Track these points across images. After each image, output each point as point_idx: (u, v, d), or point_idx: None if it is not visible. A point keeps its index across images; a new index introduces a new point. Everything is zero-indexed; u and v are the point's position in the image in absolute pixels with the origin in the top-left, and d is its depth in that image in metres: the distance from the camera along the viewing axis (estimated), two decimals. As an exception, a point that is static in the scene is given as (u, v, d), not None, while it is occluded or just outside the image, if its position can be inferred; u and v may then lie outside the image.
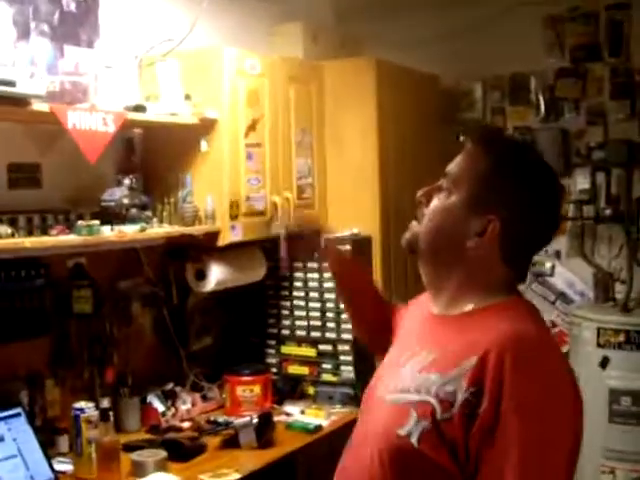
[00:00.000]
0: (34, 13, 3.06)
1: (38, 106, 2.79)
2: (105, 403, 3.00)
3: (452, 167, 1.72)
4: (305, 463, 3.38)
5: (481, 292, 1.66)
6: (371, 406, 1.77)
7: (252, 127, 3.61)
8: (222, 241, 3.52)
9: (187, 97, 3.44)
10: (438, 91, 4.77)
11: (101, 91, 3.12)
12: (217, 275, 3.66)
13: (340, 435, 3.49)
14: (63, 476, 2.98)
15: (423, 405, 1.54)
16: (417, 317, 1.85)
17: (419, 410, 1.54)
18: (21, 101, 2.74)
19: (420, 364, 1.63)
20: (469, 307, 1.66)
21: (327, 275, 3.88)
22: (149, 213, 3.38)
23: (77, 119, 2.89)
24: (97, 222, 3.06)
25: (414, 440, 1.52)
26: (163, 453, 3.07)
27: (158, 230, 3.34)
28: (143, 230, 3.23)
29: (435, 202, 1.70)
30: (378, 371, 1.85)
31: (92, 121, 2.94)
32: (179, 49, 3.57)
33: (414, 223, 1.75)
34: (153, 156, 3.62)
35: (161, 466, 3.00)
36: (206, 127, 3.46)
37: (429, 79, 4.65)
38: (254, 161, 3.62)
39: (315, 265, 3.96)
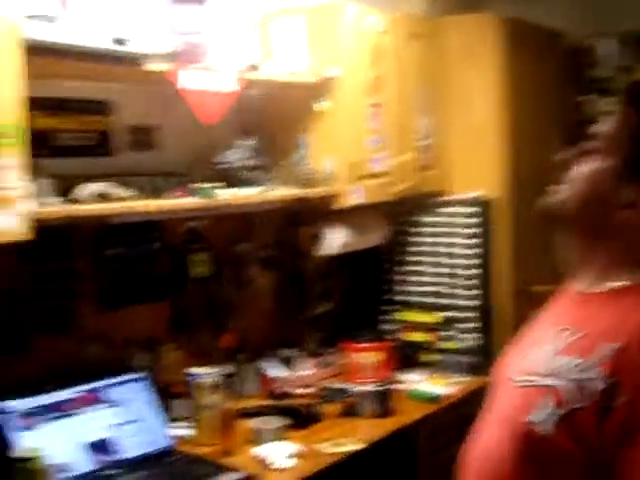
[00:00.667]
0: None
1: (152, 66, 2.73)
2: (223, 369, 2.95)
3: (601, 129, 1.56)
4: (426, 433, 3.28)
5: (633, 267, 1.51)
6: (499, 386, 1.65)
7: (374, 86, 3.48)
8: (342, 204, 3.42)
9: (307, 55, 3.33)
10: (563, 48, 4.54)
11: (218, 51, 3.03)
12: (336, 239, 3.57)
13: (461, 405, 3.39)
14: (181, 441, 2.95)
15: (555, 391, 1.42)
16: (556, 294, 1.71)
17: (550, 396, 1.42)
18: (135, 61, 2.68)
19: (556, 346, 1.49)
20: (617, 284, 1.51)
21: (442, 239, 3.76)
22: (266, 176, 3.31)
23: (192, 80, 2.82)
24: (214, 185, 2.99)
25: (543, 427, 1.40)
26: (282, 421, 3.01)
27: (275, 193, 3.26)
28: (260, 193, 3.16)
29: (582, 166, 1.56)
30: (510, 348, 1.73)
31: (207, 82, 2.87)
32: (299, 6, 3.47)
33: (556, 188, 1.60)
34: (271, 117, 3.53)
35: (279, 434, 2.94)
36: (326, 86, 3.36)
37: (553, 35, 4.43)
38: (376, 121, 3.50)
39: (439, 229, 3.84)
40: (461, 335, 3.81)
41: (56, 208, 2.54)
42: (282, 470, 2.70)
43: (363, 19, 3.43)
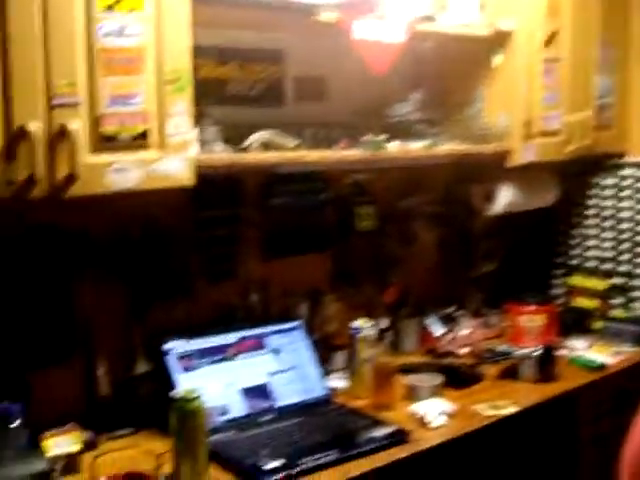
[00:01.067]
0: None
1: (325, 16, 2.70)
2: (383, 323, 2.93)
3: None
4: (587, 402, 3.17)
5: None
6: None
7: (550, 40, 3.34)
8: (513, 162, 3.32)
9: (481, 7, 3.23)
10: None
11: (390, 0, 2.97)
12: (505, 197, 3.47)
13: (625, 376, 3.27)
14: (337, 393, 2.97)
15: None
16: None
17: None
18: (308, 11, 2.66)
19: None
20: None
21: (625, 204, 3.59)
22: (436, 130, 3.24)
23: (364, 30, 2.78)
24: (382, 138, 2.96)
25: None
26: (440, 379, 2.97)
27: (445, 147, 3.19)
28: (429, 147, 3.10)
29: None
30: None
31: (379, 32, 2.83)
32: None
33: None
34: (443, 70, 3.46)
35: (436, 392, 2.91)
36: (500, 39, 3.25)
37: None
38: (551, 77, 3.36)
39: (610, 192, 3.68)
40: (631, 304, 3.65)
41: (221, 155, 2.57)
42: (436, 428, 2.67)
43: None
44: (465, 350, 3.45)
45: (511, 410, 2.85)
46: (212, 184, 2.81)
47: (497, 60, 3.27)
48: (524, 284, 3.77)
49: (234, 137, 2.77)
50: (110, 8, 2.18)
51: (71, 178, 2.13)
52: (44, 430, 2.41)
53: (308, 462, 2.35)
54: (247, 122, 2.86)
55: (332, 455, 2.41)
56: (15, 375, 2.48)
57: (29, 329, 2.53)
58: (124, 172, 2.23)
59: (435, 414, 2.71)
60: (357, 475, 2.36)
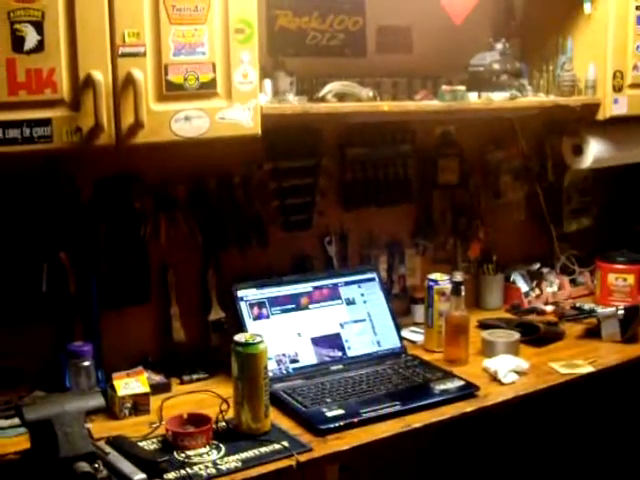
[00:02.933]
0: None
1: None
2: (458, 277, 2.89)
3: None
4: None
5: None
6: None
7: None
8: (603, 114, 3.21)
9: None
10: None
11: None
12: (595, 151, 3.36)
13: None
14: (411, 346, 2.97)
15: None
16: None
17: None
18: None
19: None
20: None
21: None
22: (524, 81, 3.16)
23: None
24: (462, 88, 2.90)
25: None
26: (516, 335, 2.93)
27: (530, 99, 3.11)
28: (513, 98, 3.02)
29: None
30: None
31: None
32: None
33: None
34: (531, 19, 3.36)
35: (512, 348, 2.87)
36: (591, -15, 3.13)
37: None
38: (644, 26, 3.23)
39: None
40: None
41: (291, 105, 2.57)
42: (509, 384, 2.64)
43: None
44: (550, 307, 3.39)
45: (588, 369, 2.79)
46: (288, 133, 2.82)
47: (587, 8, 3.14)
48: (619, 242, 3.66)
49: (312, 88, 2.78)
50: (176, -43, 2.20)
51: (136, 126, 2.16)
52: (117, 371, 2.48)
53: (370, 412, 2.37)
54: (326, 73, 2.86)
55: (395, 406, 2.42)
56: (91, 315, 2.57)
57: (106, 270, 2.60)
58: (189, 120, 2.25)
59: (508, 370, 2.68)
60: (419, 427, 2.36)
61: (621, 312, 3.04)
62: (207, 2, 2.25)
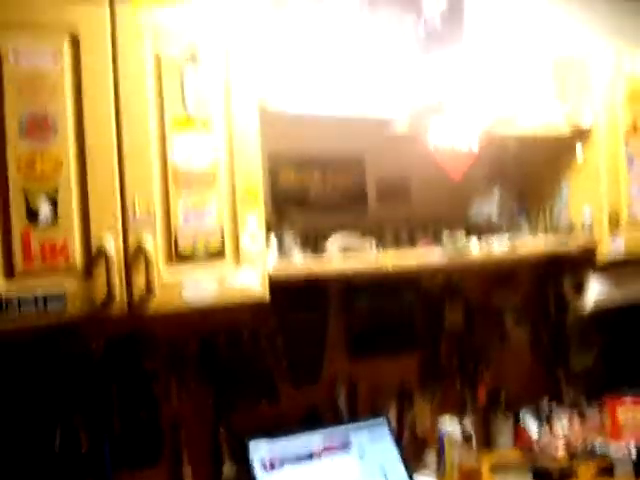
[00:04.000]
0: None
1: (399, 129, 2.77)
2: (471, 422, 2.90)
3: None
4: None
5: None
6: None
7: (632, 131, 3.32)
8: (601, 256, 3.28)
9: (559, 104, 3.24)
10: None
11: (464, 104, 3.02)
12: (596, 292, 3.40)
13: None
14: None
15: None
16: None
17: None
18: (384, 123, 2.75)
19: None
20: None
21: None
22: (521, 224, 3.24)
23: (439, 139, 2.83)
24: (463, 237, 2.96)
25: None
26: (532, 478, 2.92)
27: (530, 244, 3.17)
28: (514, 245, 3.08)
29: None
30: None
31: (454, 139, 2.87)
32: (549, 53, 3.39)
33: None
34: (524, 165, 3.47)
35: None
36: (581, 134, 3.25)
37: None
38: (635, 168, 3.33)
39: None
40: None
41: (299, 265, 2.61)
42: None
43: (619, 62, 3.30)
44: (560, 447, 3.37)
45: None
46: (294, 289, 2.87)
47: (579, 155, 3.25)
48: (622, 380, 3.67)
49: (314, 242, 2.84)
50: (183, 128, 2.30)
51: (148, 295, 2.22)
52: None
53: None
54: (328, 226, 2.92)
55: None
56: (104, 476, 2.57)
57: (118, 429, 2.62)
58: (200, 288, 2.31)
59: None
60: None
61: (634, 453, 3.03)
62: (214, 170, 2.34)
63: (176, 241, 2.29)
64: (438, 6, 3.10)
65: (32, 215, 2.10)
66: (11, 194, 2.09)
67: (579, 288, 3.44)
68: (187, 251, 2.30)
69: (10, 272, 2.09)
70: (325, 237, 2.81)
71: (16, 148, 2.09)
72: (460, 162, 2.89)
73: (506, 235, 3.10)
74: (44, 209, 2.12)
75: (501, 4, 3.49)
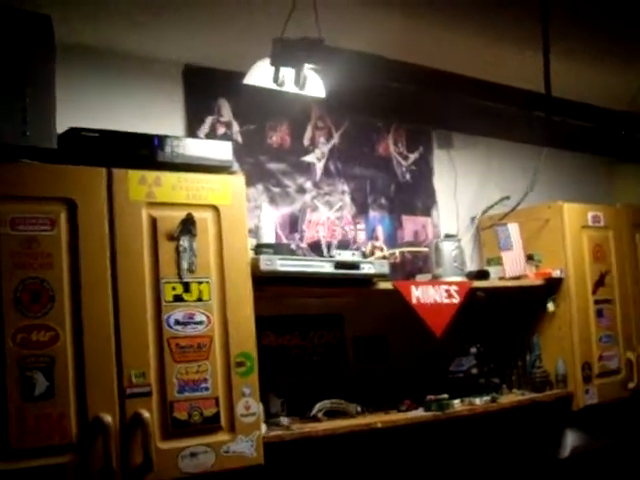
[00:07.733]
0: (371, 187, 3.15)
1: (382, 285, 2.81)
2: None
3: None
4: None
5: None
6: None
7: (600, 282, 3.42)
8: (576, 406, 3.32)
9: (529, 257, 3.33)
10: None
11: (441, 259, 3.09)
12: (572, 440, 3.41)
13: None
14: None
15: None
16: None
17: None
18: (365, 282, 2.77)
19: None
20: None
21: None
22: (497, 380, 3.27)
23: (421, 294, 2.87)
24: (445, 396, 2.96)
25: None
26: None
27: (509, 398, 3.19)
28: (494, 400, 3.10)
29: None
30: None
31: (436, 294, 2.91)
32: (518, 209, 3.51)
33: None
34: (497, 319, 3.51)
35: None
36: (551, 286, 3.34)
37: None
38: (605, 318, 3.42)
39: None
40: None
41: (291, 431, 2.58)
42: None
43: (583, 216, 3.45)
44: None
45: None
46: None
47: (550, 307, 3.32)
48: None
49: (301, 404, 2.80)
50: (178, 298, 2.29)
51: (146, 467, 2.16)
52: None
53: None
54: (312, 388, 2.91)
55: None
56: None
57: None
58: (196, 457, 2.25)
59: None
60: None
61: None
62: (209, 338, 2.32)
63: (172, 411, 2.24)
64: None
65: (27, 389, 2.03)
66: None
67: (557, 438, 3.44)
68: (182, 421, 2.26)
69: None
70: (309, 400, 2.79)
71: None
72: (441, 316, 2.92)
73: (484, 390, 3.12)
74: (40, 383, 2.06)
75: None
